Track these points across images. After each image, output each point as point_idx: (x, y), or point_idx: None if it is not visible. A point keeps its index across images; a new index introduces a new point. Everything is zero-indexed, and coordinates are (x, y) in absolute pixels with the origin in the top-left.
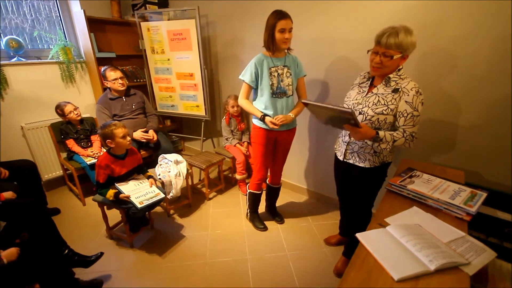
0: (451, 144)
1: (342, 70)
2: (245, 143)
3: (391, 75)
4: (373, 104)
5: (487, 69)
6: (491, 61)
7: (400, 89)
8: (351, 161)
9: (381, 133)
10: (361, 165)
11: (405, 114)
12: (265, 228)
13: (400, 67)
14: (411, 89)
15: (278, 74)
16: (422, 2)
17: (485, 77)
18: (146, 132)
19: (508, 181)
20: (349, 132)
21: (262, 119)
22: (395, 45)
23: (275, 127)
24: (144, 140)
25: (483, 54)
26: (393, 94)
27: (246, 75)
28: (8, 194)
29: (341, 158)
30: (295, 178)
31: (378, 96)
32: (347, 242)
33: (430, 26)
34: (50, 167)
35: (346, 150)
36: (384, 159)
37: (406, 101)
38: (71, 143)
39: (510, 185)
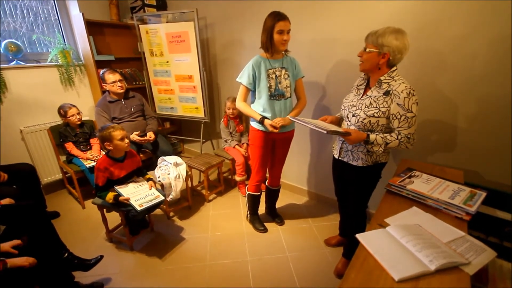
0: (450, 144)
1: (342, 71)
2: (244, 145)
3: (382, 77)
4: (365, 107)
5: (485, 69)
6: (489, 61)
7: (391, 92)
8: (345, 159)
9: (371, 136)
10: (354, 163)
11: (398, 116)
12: (265, 230)
13: (394, 68)
14: (401, 92)
15: (276, 76)
16: (421, 2)
17: (484, 77)
18: (145, 135)
19: (508, 180)
20: None
21: (261, 121)
22: (371, 41)
23: (275, 130)
24: (143, 143)
25: (482, 54)
26: (384, 96)
27: (243, 77)
28: (5, 201)
29: (336, 156)
30: (295, 179)
31: (371, 99)
32: (347, 243)
33: (429, 26)
34: (50, 170)
35: (341, 148)
36: (377, 159)
37: (398, 104)
38: (70, 146)
39: (510, 184)
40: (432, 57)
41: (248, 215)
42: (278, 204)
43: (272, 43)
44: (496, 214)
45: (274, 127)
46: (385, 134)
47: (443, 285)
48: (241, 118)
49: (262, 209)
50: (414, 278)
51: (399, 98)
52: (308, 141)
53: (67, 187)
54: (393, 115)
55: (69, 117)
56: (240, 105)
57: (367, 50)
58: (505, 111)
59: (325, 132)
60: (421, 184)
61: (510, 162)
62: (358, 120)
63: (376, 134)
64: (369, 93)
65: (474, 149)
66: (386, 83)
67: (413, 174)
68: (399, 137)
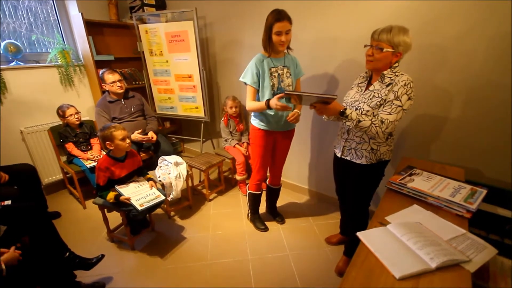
0: (450, 141)
1: (344, 69)
2: (245, 144)
3: (385, 72)
4: (368, 99)
5: (485, 67)
6: (489, 59)
7: (393, 83)
8: (348, 158)
9: (348, 110)
10: (358, 161)
11: (387, 101)
12: (266, 229)
13: (396, 64)
14: (401, 81)
15: (279, 74)
16: (420, 1)
17: (484, 74)
18: (145, 134)
19: (508, 178)
20: (347, 129)
21: (268, 105)
22: (387, 39)
23: (288, 108)
24: (144, 142)
25: (481, 51)
26: (387, 87)
27: (248, 77)
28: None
29: (339, 154)
30: (295, 178)
31: (374, 92)
32: (348, 242)
33: (429, 23)
34: (50, 170)
35: (344, 146)
36: (381, 156)
37: (393, 91)
38: (70, 147)
39: (510, 181)
40: (432, 54)
41: (249, 214)
42: (279, 203)
43: (270, 43)
44: (497, 211)
45: (284, 107)
46: (362, 114)
47: (444, 283)
48: (241, 117)
49: (262, 208)
50: (415, 276)
51: (397, 86)
52: (308, 140)
53: (68, 188)
54: (384, 101)
55: (67, 117)
56: (250, 104)
57: (384, 50)
58: (505, 108)
59: (335, 96)
60: (422, 182)
61: (511, 160)
62: (362, 112)
63: (353, 111)
64: (371, 88)
65: (475, 147)
66: (388, 77)
67: (413, 172)
68: (373, 119)
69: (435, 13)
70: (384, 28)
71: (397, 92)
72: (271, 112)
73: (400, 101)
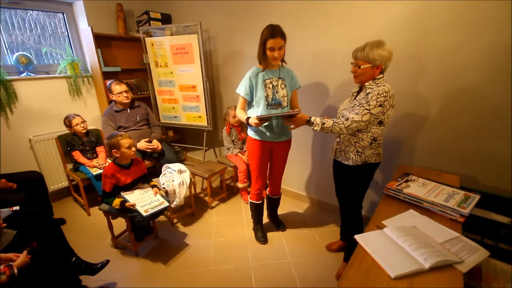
0: (447, 149)
1: (341, 80)
2: (246, 152)
3: (367, 84)
4: (351, 108)
5: (480, 78)
6: (484, 69)
7: (371, 92)
8: (339, 159)
9: (313, 118)
10: (346, 163)
11: (358, 104)
12: (265, 242)
13: (380, 76)
14: (377, 90)
15: (273, 85)
16: (414, 14)
17: (481, 85)
18: (150, 142)
19: (504, 184)
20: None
21: (247, 122)
22: (362, 57)
23: (259, 123)
24: (149, 150)
25: (476, 61)
26: (366, 96)
27: (241, 89)
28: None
29: (332, 156)
30: (296, 186)
31: (358, 101)
32: (347, 247)
33: (425, 36)
34: (56, 178)
35: (336, 149)
36: (367, 159)
37: (367, 97)
38: (77, 155)
39: (506, 188)
40: (428, 64)
41: (253, 223)
42: (280, 211)
43: (264, 57)
44: (492, 217)
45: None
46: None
47: (437, 282)
48: (243, 126)
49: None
50: (410, 276)
51: (372, 93)
52: (309, 148)
53: (72, 195)
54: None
55: (74, 126)
56: (238, 112)
57: (362, 67)
58: (501, 117)
59: (296, 112)
60: (417, 188)
61: (510, 167)
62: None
63: (317, 117)
64: (358, 97)
65: (470, 155)
66: (370, 88)
67: (409, 179)
68: (336, 119)
69: (430, 25)
70: (359, 47)
71: (369, 98)
72: (266, 123)
73: (369, 105)
